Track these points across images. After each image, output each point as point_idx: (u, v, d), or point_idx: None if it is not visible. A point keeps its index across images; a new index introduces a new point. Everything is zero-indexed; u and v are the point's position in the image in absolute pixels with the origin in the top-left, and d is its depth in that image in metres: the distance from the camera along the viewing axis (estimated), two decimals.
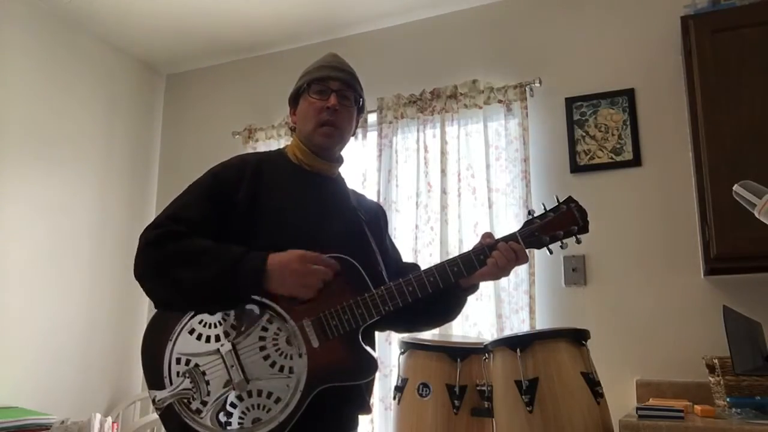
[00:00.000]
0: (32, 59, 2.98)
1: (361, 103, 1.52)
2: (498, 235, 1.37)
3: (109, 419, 2.55)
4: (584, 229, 1.35)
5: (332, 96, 1.43)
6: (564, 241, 1.34)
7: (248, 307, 1.27)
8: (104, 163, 3.32)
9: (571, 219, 1.34)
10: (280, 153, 1.52)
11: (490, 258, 1.32)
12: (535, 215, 1.37)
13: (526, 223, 1.36)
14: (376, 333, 1.50)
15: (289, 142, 1.55)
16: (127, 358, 3.29)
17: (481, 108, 2.82)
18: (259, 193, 1.37)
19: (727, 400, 1.83)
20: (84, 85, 3.25)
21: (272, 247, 1.29)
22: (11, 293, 2.76)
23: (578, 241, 1.35)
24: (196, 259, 1.25)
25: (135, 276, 1.30)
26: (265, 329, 1.26)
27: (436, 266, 1.33)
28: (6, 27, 2.86)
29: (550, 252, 1.38)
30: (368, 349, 1.30)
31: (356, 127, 1.54)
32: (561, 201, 1.37)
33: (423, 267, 1.40)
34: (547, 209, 1.37)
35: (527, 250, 1.34)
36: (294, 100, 1.52)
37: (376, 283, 1.32)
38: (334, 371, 1.26)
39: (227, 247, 1.27)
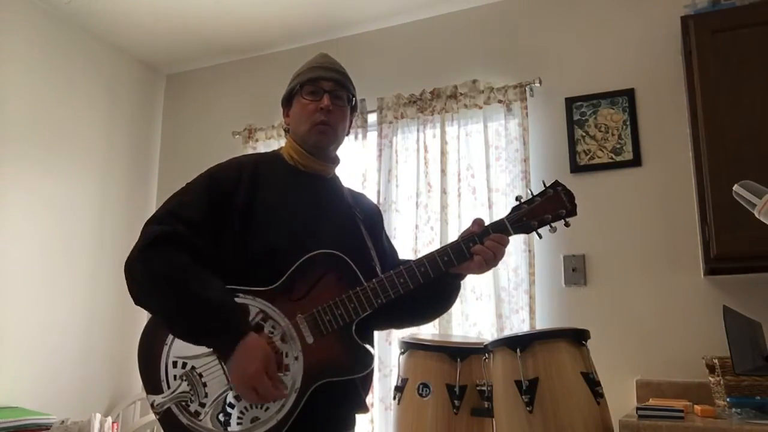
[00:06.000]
0: (32, 59, 2.97)
1: (354, 102, 1.52)
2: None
3: (109, 419, 2.55)
4: (572, 212, 1.35)
5: (325, 97, 1.44)
6: (552, 224, 1.34)
7: (242, 306, 1.27)
8: (104, 163, 3.32)
9: (559, 202, 1.34)
10: (275, 154, 1.52)
11: (477, 256, 1.31)
12: (523, 201, 1.37)
13: (514, 209, 1.36)
14: (376, 333, 1.50)
15: None
16: (127, 358, 3.28)
17: (481, 108, 2.82)
18: (256, 195, 1.37)
19: (727, 400, 1.83)
20: (84, 85, 3.25)
21: (266, 247, 1.30)
22: (11, 293, 2.76)
23: (567, 225, 1.35)
24: (184, 299, 1.22)
25: (125, 264, 1.28)
26: (259, 327, 1.27)
27: (426, 256, 1.33)
28: (6, 27, 2.86)
29: (539, 236, 1.38)
30: (362, 343, 1.30)
31: (350, 126, 1.55)
32: (548, 185, 1.37)
33: None
34: (534, 194, 1.37)
35: (516, 235, 1.35)
36: (287, 102, 1.52)
37: (369, 279, 1.33)
38: (330, 366, 1.27)
39: (215, 307, 1.23)
